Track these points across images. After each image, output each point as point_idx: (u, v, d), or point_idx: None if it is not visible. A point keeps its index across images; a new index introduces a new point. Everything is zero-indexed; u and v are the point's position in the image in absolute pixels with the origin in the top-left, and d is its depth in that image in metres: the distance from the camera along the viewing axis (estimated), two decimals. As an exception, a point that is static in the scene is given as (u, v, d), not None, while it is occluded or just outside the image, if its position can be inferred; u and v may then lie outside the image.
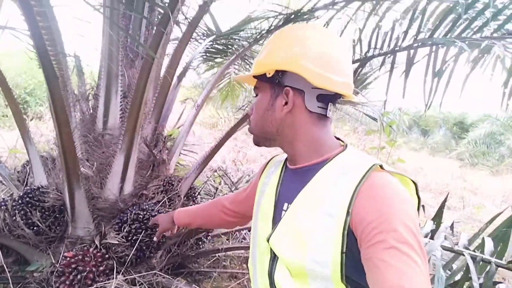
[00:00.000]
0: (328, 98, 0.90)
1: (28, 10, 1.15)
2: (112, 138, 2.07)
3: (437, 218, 1.80)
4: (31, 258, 1.95)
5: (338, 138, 0.97)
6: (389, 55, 2.34)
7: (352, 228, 0.76)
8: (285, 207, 0.92)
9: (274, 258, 0.92)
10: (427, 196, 6.62)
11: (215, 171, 4.85)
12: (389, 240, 0.69)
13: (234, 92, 4.67)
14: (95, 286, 1.73)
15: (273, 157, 1.15)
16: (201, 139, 7.59)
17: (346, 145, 0.93)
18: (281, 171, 1.03)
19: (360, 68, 2.54)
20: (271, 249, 0.93)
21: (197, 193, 2.73)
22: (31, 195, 1.82)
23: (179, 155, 3.28)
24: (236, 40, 3.30)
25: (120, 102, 2.08)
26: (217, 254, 2.48)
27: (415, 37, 2.21)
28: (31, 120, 6.91)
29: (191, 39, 3.26)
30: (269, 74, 0.91)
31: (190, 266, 2.40)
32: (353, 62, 2.42)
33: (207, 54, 3.49)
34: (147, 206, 1.92)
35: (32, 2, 1.20)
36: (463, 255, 1.30)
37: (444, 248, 1.34)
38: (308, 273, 0.82)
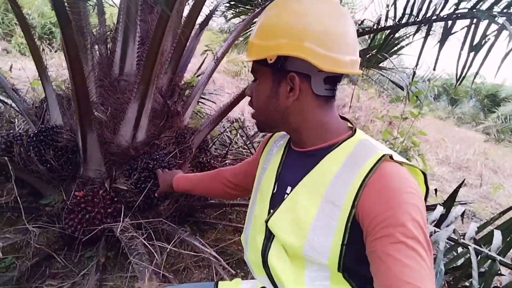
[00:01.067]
0: (336, 79, 0.85)
1: None
2: (128, 84, 2.05)
3: (449, 202, 1.77)
4: (45, 193, 2.04)
5: (344, 118, 0.93)
6: (424, 24, 2.18)
7: (359, 220, 0.75)
8: (288, 191, 0.90)
9: (269, 238, 0.91)
10: (445, 170, 6.50)
11: (232, 122, 4.85)
12: (397, 235, 0.68)
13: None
14: (102, 226, 1.81)
15: (273, 133, 1.10)
16: (222, 88, 7.53)
17: (355, 130, 0.88)
18: (284, 151, 1.00)
19: (391, 35, 2.39)
20: (266, 229, 0.92)
21: (210, 146, 2.75)
22: (45, 134, 1.86)
23: (196, 105, 3.28)
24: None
25: (138, 48, 2.04)
26: (223, 208, 2.53)
27: (455, 7, 2.05)
28: (56, 51, 6.93)
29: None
30: (271, 60, 0.82)
31: (196, 216, 2.47)
32: (385, 28, 2.29)
33: (234, 1, 3.35)
34: (157, 156, 1.94)
35: None
36: (468, 248, 1.28)
37: (450, 239, 1.32)
38: (305, 258, 0.82)
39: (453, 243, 1.35)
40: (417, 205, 0.71)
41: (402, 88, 3.54)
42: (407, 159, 3.67)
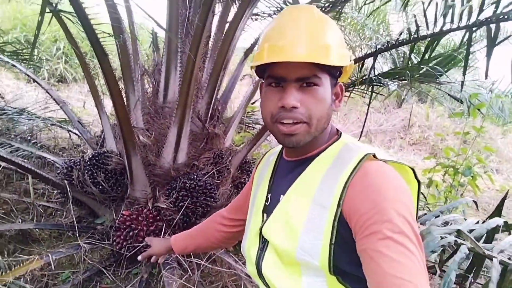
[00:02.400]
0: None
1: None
2: (170, 110, 2.22)
3: (493, 216, 1.62)
4: (99, 212, 2.25)
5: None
6: (466, 29, 2.07)
7: (346, 219, 0.75)
8: (281, 199, 0.91)
9: (262, 248, 0.93)
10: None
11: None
12: (384, 231, 0.67)
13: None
14: (145, 243, 1.93)
15: (265, 153, 1.13)
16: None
17: (341, 134, 0.90)
18: (275, 164, 1.02)
19: (433, 44, 2.28)
20: (259, 239, 0.95)
21: (252, 167, 2.81)
22: (97, 158, 2.08)
23: (239, 130, 3.39)
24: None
25: (179, 78, 2.21)
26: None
27: (495, 10, 1.91)
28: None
29: (263, 14, 3.28)
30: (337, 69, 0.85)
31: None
32: (422, 38, 2.20)
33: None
34: (195, 176, 2.05)
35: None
36: (492, 260, 1.15)
37: (473, 250, 1.20)
38: (300, 262, 0.83)
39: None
40: (403, 200, 0.71)
41: (460, 102, 3.31)
42: (471, 176, 3.39)
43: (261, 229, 0.92)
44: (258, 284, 1.01)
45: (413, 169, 0.82)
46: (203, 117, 2.23)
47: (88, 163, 2.09)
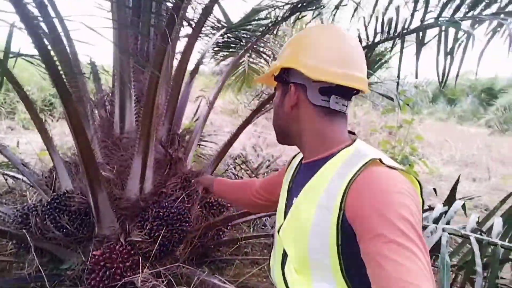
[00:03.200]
0: (332, 91, 0.91)
1: (37, 38, 1.23)
2: (129, 141, 2.17)
3: (450, 199, 1.82)
4: (64, 258, 2.11)
5: (352, 133, 1.00)
6: (397, 38, 2.32)
7: (350, 222, 0.78)
8: (294, 202, 0.97)
9: (285, 253, 0.97)
10: (452, 169, 6.52)
11: (235, 158, 4.95)
12: (387, 234, 0.68)
13: (250, 80, 4.71)
14: (123, 281, 1.86)
15: (298, 153, 1.16)
16: (221, 128, 7.70)
17: (355, 140, 0.94)
18: (297, 167, 1.09)
19: (369, 54, 2.53)
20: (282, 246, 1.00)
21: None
22: (58, 200, 1.96)
23: (197, 148, 3.38)
24: (246, 32, 3.32)
25: (135, 106, 2.18)
26: (238, 243, 2.58)
27: (422, 19, 2.18)
28: (57, 120, 7.20)
29: (200, 35, 3.32)
30: (275, 73, 1.00)
31: (212, 255, 2.51)
32: (363, 48, 2.41)
33: (219, 47, 3.53)
34: (166, 204, 2.02)
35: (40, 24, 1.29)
36: (469, 238, 1.33)
37: (450, 232, 1.37)
38: (311, 264, 0.86)
39: (461, 239, 1.41)
40: (407, 204, 0.72)
41: (391, 99, 3.64)
42: (409, 165, 3.74)
43: (278, 231, 0.99)
44: None
45: (419, 183, 0.86)
46: (165, 143, 2.21)
47: (48, 206, 1.96)
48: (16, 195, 3.11)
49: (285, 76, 0.97)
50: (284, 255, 0.97)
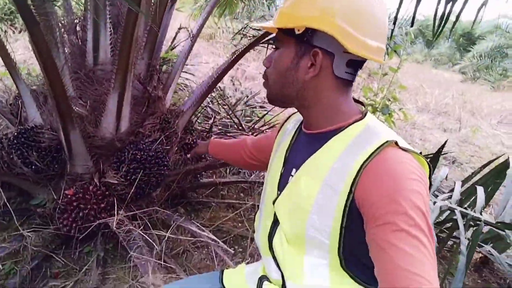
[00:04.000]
0: (358, 64, 0.83)
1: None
2: (104, 74, 1.98)
3: (434, 162, 1.82)
4: (34, 193, 2.01)
5: (358, 101, 0.92)
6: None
7: (358, 206, 0.74)
8: (293, 172, 0.91)
9: (276, 222, 0.94)
10: (425, 118, 6.65)
11: (213, 92, 4.78)
12: (398, 222, 0.66)
13: (232, 2, 4.39)
14: (97, 222, 1.81)
15: (292, 114, 1.10)
16: (198, 55, 7.34)
17: (365, 113, 0.87)
18: (295, 134, 1.00)
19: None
20: (274, 213, 0.95)
21: (193, 124, 2.72)
22: (25, 135, 1.81)
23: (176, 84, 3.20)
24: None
25: (110, 35, 1.96)
26: (215, 186, 2.55)
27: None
28: (20, 32, 6.56)
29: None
30: (298, 30, 0.80)
31: (189, 196, 2.48)
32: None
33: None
34: (144, 146, 1.92)
35: None
36: (454, 211, 1.33)
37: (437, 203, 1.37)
38: (307, 240, 0.83)
39: (442, 208, 1.41)
40: (420, 192, 0.70)
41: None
42: (389, 114, 3.72)
43: (273, 202, 0.93)
44: (261, 253, 1.02)
45: (429, 166, 0.82)
46: (144, 79, 2.04)
47: (15, 141, 1.81)
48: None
49: (308, 36, 0.80)
50: (274, 224, 0.94)
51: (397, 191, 0.69)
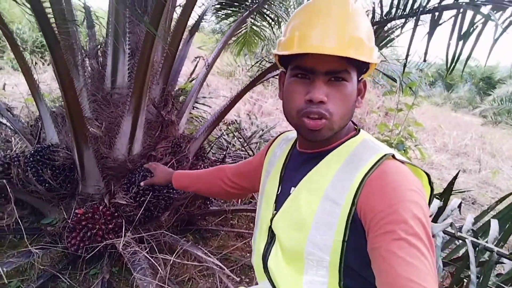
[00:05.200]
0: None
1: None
2: (121, 97, 2.05)
3: (446, 195, 1.77)
4: (45, 212, 2.04)
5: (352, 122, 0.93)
6: (411, 17, 2.18)
7: (360, 217, 0.75)
8: (291, 191, 0.90)
9: (270, 242, 0.93)
10: (443, 158, 6.51)
11: (229, 124, 4.85)
12: (398, 232, 0.67)
13: (251, 42, 4.52)
14: (104, 243, 1.80)
15: (279, 135, 1.11)
16: (217, 90, 7.50)
17: (359, 130, 0.89)
18: (288, 153, 1.00)
19: (380, 30, 2.39)
20: (268, 233, 0.94)
21: (207, 152, 2.75)
22: (41, 153, 1.86)
23: (191, 110, 3.27)
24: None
25: (128, 60, 2.04)
26: (225, 214, 2.53)
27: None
28: (49, 64, 6.89)
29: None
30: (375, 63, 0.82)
31: (198, 224, 2.47)
32: (373, 24, 2.28)
33: (221, 5, 3.33)
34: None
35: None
36: (465, 241, 1.28)
37: (446, 232, 1.32)
38: (306, 257, 0.82)
39: (450, 237, 1.36)
40: (419, 203, 0.71)
41: (395, 80, 3.53)
42: (404, 150, 3.68)
43: (271, 221, 0.92)
44: (257, 277, 1.00)
45: (428, 175, 0.84)
46: (158, 103, 2.09)
47: (31, 159, 1.86)
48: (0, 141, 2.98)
49: (366, 66, 0.83)
50: (269, 244, 0.93)
51: (398, 202, 0.70)
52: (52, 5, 1.49)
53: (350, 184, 0.76)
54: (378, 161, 0.76)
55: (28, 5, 1.15)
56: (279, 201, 0.94)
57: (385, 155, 0.77)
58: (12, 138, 2.81)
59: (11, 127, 2.45)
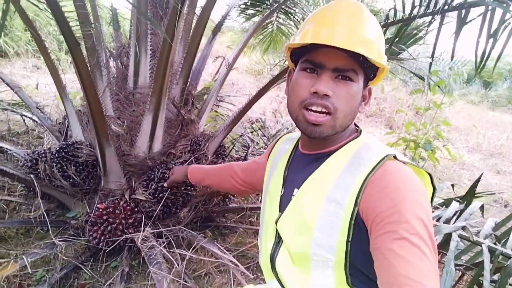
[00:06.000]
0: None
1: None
2: (142, 96, 2.11)
3: (468, 197, 1.72)
4: (70, 206, 2.13)
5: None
6: (436, 14, 2.11)
7: (363, 218, 0.76)
8: (294, 192, 0.92)
9: (278, 243, 0.94)
10: (476, 158, 6.26)
11: (253, 122, 4.87)
12: (400, 231, 0.68)
13: (278, 41, 4.51)
14: (124, 237, 1.87)
15: (281, 137, 1.13)
16: (244, 89, 7.55)
17: (360, 131, 0.91)
18: (291, 155, 1.01)
19: (404, 28, 2.33)
20: (275, 234, 0.95)
21: (230, 150, 2.78)
22: (66, 150, 1.94)
23: (212, 110, 3.31)
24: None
25: (150, 61, 2.09)
26: (244, 211, 2.55)
27: (467, -5, 1.97)
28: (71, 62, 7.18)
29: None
30: (383, 68, 0.84)
31: (217, 220, 2.50)
32: (396, 22, 2.23)
33: (246, 5, 3.35)
34: (173, 166, 1.98)
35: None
36: (481, 246, 1.24)
37: (461, 236, 1.28)
38: (312, 258, 0.83)
39: (469, 242, 1.31)
40: (421, 203, 0.71)
41: (422, 78, 3.43)
42: (431, 150, 3.57)
43: (276, 222, 0.93)
44: (265, 276, 1.02)
45: (430, 175, 0.83)
46: (178, 102, 2.14)
47: (56, 155, 1.95)
48: (33, 137, 3.14)
49: (374, 72, 0.86)
50: (276, 245, 0.94)
51: (400, 203, 0.70)
52: (76, 9, 1.56)
53: (353, 185, 0.77)
54: (380, 161, 0.77)
55: (49, 10, 1.21)
56: (283, 202, 0.95)
57: (386, 155, 0.78)
58: (44, 134, 2.96)
59: (42, 125, 2.58)
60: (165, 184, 1.85)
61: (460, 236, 1.25)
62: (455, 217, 1.45)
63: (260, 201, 2.69)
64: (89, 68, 1.53)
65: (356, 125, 0.94)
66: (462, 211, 1.59)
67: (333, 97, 0.80)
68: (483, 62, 2.02)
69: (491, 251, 1.20)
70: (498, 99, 18.50)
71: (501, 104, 17.75)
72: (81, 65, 1.47)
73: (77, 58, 1.43)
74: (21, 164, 2.13)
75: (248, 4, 3.20)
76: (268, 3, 3.03)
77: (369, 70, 0.83)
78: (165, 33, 1.43)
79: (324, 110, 0.80)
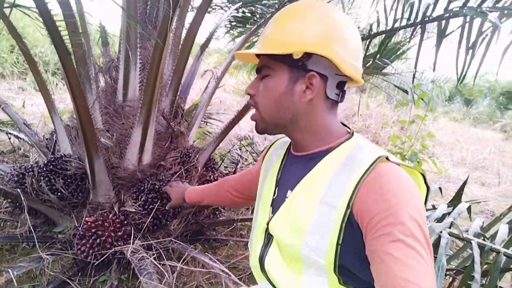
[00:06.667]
0: (343, 84, 0.89)
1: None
2: (132, 109, 2.12)
3: (455, 201, 1.75)
4: (57, 221, 2.09)
5: (344, 125, 0.95)
6: (417, 25, 2.20)
7: (357, 220, 0.76)
8: (288, 194, 0.92)
9: (267, 244, 0.94)
10: (461, 171, 6.38)
11: (241, 140, 4.90)
12: (395, 233, 0.68)
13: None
14: (113, 249, 1.84)
15: (275, 141, 1.14)
16: (231, 108, 7.60)
17: (353, 133, 0.91)
18: (283, 158, 1.02)
19: (387, 40, 2.41)
20: (265, 235, 0.95)
21: (219, 165, 2.78)
22: (54, 163, 1.93)
23: (203, 125, 3.33)
24: (262, 7, 3.20)
25: (139, 74, 2.11)
26: (234, 223, 2.54)
27: (446, 6, 2.06)
28: (62, 79, 7.18)
29: (215, 7, 3.23)
30: (297, 55, 0.83)
31: (207, 233, 2.48)
32: (379, 33, 2.31)
33: (233, 22, 3.42)
34: (163, 177, 1.98)
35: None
36: (471, 243, 1.26)
37: (452, 234, 1.30)
38: (303, 259, 0.83)
39: (458, 239, 1.34)
40: (416, 204, 0.72)
41: (406, 92, 3.53)
42: (417, 162, 3.64)
43: (268, 224, 0.93)
44: (256, 277, 1.01)
45: (423, 175, 0.84)
46: (168, 115, 2.15)
47: (44, 169, 1.93)
48: (18, 155, 3.10)
49: (304, 61, 0.84)
50: (265, 246, 0.95)
51: (395, 204, 0.70)
52: (65, 18, 1.58)
53: (346, 187, 0.78)
54: (373, 163, 0.77)
55: (41, 20, 1.23)
56: (276, 204, 0.95)
57: (379, 157, 0.78)
58: (30, 152, 2.93)
59: (28, 141, 2.55)
60: (167, 207, 1.89)
61: (450, 234, 1.27)
62: (444, 220, 1.47)
63: (251, 213, 2.69)
64: (79, 80, 1.54)
65: (347, 127, 0.95)
66: (450, 214, 1.62)
67: (257, 94, 0.91)
68: (463, 73, 2.08)
69: (481, 247, 1.23)
70: (480, 116, 18.96)
71: (482, 121, 18.18)
72: (72, 75, 1.48)
73: (67, 68, 1.45)
74: (7, 179, 2.10)
75: (237, 19, 3.27)
76: (254, 20, 3.10)
77: (291, 60, 0.84)
78: (157, 37, 1.45)
79: (254, 108, 0.93)
